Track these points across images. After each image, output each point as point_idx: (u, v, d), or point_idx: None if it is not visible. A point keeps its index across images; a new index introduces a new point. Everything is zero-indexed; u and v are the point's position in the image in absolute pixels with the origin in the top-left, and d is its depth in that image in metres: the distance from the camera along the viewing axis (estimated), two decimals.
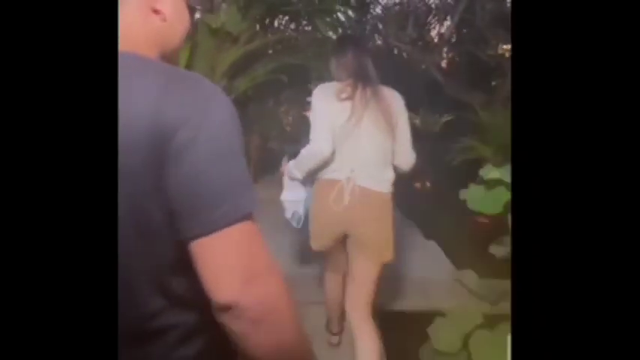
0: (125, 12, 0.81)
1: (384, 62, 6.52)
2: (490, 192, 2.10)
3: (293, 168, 2.23)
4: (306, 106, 2.30)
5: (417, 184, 6.20)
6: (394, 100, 2.19)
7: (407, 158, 2.22)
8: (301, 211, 2.31)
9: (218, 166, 0.71)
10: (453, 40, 7.78)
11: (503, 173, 2.02)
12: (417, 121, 7.96)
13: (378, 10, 8.71)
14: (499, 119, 5.26)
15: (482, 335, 1.97)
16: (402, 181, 2.45)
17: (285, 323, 0.74)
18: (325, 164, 2.11)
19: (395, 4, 8.12)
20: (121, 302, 0.68)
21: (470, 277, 2.40)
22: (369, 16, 8.64)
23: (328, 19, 5.62)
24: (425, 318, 2.38)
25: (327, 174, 2.15)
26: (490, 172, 2.05)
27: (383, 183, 2.15)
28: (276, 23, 6.05)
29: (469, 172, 2.19)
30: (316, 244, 2.26)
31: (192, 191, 0.69)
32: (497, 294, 2.23)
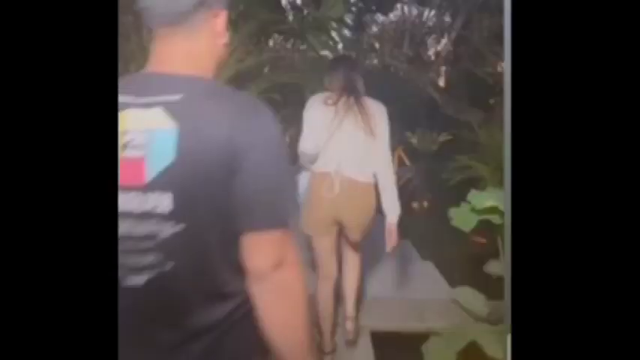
0: (192, 39, 0.96)
1: (380, 81, 6.49)
2: (480, 217, 2.02)
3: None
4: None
5: (414, 204, 6.11)
6: (375, 109, 2.48)
7: (384, 162, 2.48)
8: (303, 195, 2.59)
9: (270, 182, 0.91)
10: (450, 57, 7.77)
11: (497, 199, 1.93)
12: (414, 140, 7.91)
13: (374, 28, 8.74)
14: (497, 138, 5.18)
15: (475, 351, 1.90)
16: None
17: (298, 307, 0.93)
18: (313, 160, 2.45)
19: (391, 22, 8.14)
20: (203, 271, 0.91)
21: (467, 296, 2.32)
22: (364, 35, 8.66)
23: (323, 38, 5.60)
24: (421, 339, 2.30)
25: (319, 167, 2.46)
26: (486, 201, 1.97)
27: (366, 175, 2.45)
28: (271, 42, 6.04)
29: (467, 192, 2.13)
30: (309, 227, 2.54)
31: (248, 196, 0.88)
32: (496, 313, 2.15)
